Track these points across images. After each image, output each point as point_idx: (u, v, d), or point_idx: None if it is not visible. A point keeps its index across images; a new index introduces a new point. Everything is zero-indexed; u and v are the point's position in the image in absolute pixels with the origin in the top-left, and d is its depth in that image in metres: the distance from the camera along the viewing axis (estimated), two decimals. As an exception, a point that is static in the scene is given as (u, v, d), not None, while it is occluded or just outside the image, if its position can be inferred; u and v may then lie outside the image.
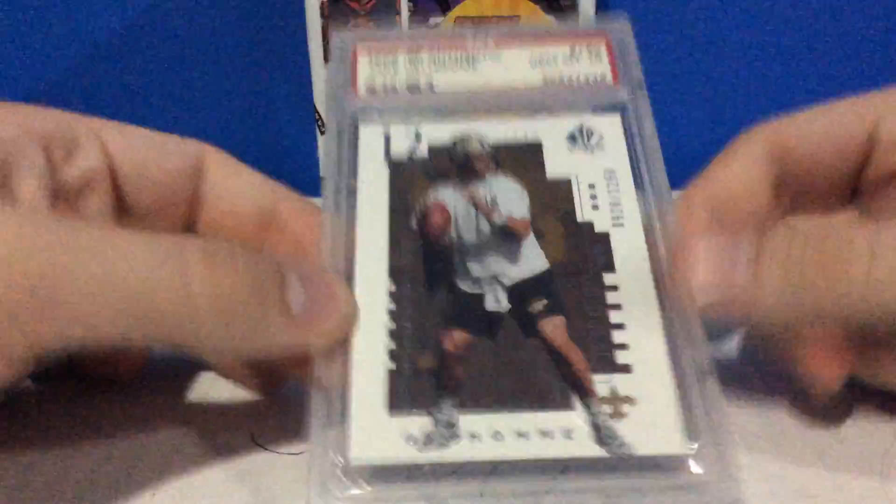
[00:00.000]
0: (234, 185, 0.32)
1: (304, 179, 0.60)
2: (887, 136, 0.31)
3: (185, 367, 0.33)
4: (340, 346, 0.26)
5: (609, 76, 0.32)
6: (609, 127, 0.32)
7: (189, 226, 0.32)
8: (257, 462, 0.28)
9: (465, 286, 0.28)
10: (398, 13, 0.40)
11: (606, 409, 0.25)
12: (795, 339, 0.29)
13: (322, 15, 0.40)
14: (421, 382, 0.26)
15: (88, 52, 0.55)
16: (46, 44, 0.55)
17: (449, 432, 0.25)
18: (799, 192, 0.33)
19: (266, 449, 0.29)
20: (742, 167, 0.31)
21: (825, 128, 0.31)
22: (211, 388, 0.32)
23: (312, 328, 0.26)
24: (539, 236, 0.29)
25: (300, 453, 0.28)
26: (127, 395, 0.32)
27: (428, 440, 0.24)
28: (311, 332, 0.26)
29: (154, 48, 0.54)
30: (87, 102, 0.56)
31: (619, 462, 0.24)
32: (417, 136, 0.31)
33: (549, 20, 0.40)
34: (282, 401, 0.31)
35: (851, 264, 0.25)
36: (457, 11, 0.40)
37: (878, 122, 0.31)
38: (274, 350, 0.26)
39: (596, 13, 0.42)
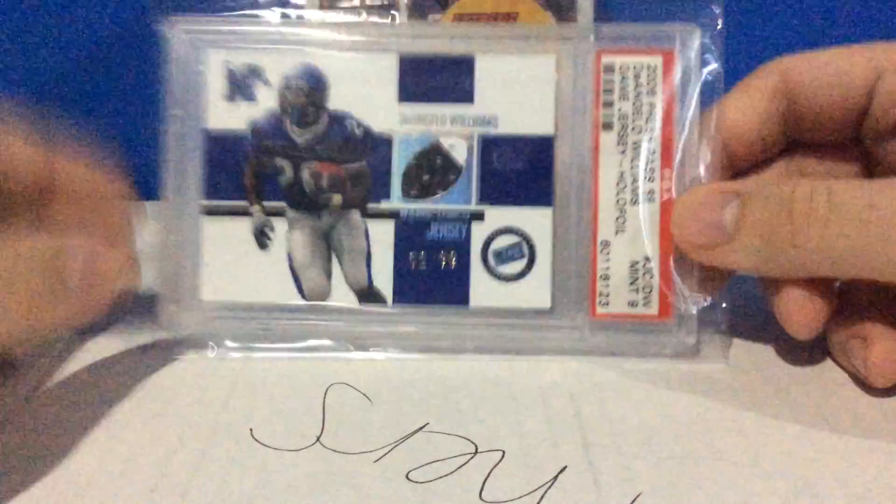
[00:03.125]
0: (7, 145, 0.31)
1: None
2: (884, 93, 0.32)
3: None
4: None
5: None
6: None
7: None
8: (257, 458, 0.28)
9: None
10: (396, 10, 0.39)
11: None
12: (773, 285, 0.32)
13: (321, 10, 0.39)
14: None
15: (88, 52, 0.54)
16: (46, 44, 0.54)
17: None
18: (805, 127, 0.34)
19: (266, 445, 0.29)
20: (755, 98, 0.33)
21: (832, 72, 0.33)
22: (208, 385, 0.33)
23: (89, 299, 0.28)
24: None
25: (299, 450, 0.29)
26: (124, 394, 0.32)
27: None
28: (87, 303, 0.28)
29: (153, 47, 0.54)
30: (87, 102, 0.56)
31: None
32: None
33: (547, 17, 0.40)
34: (279, 399, 0.32)
35: (810, 230, 0.28)
36: (455, 8, 0.40)
37: (878, 78, 0.32)
38: (60, 325, 0.28)
39: (594, 10, 0.41)
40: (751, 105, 0.33)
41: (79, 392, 0.32)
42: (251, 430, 0.30)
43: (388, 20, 0.37)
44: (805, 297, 0.31)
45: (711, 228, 0.31)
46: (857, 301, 0.32)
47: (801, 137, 0.35)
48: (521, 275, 0.34)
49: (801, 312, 0.31)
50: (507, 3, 0.39)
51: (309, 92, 0.35)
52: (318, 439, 0.29)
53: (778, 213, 0.29)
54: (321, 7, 0.40)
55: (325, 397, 0.31)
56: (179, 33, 0.36)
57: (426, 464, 0.28)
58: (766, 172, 0.35)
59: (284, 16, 0.36)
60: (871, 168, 0.35)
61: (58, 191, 0.32)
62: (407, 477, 0.27)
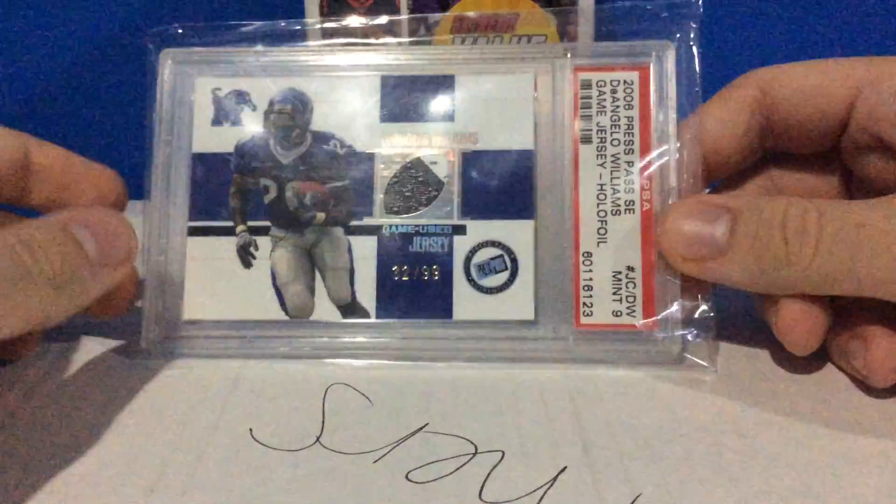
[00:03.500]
0: None
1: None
2: (863, 108, 0.32)
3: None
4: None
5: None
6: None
7: None
8: (257, 458, 0.28)
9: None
10: (397, 11, 0.40)
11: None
12: (769, 300, 0.32)
13: (322, 13, 0.40)
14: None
15: (85, 52, 0.54)
16: (45, 43, 0.54)
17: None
18: (783, 139, 0.34)
19: (265, 445, 0.29)
20: (733, 111, 0.34)
21: (811, 85, 0.33)
22: (207, 385, 0.32)
23: (109, 264, 0.29)
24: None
25: (299, 450, 0.28)
26: (124, 394, 0.32)
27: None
28: (109, 268, 0.29)
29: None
30: (83, 102, 0.55)
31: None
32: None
33: (548, 17, 0.41)
34: (279, 399, 0.31)
35: (803, 249, 0.29)
36: (456, 9, 0.40)
37: (857, 95, 0.32)
38: (91, 293, 0.28)
39: (595, 9, 0.42)
40: (730, 117, 0.34)
41: (78, 392, 0.32)
42: (251, 430, 0.29)
43: (371, 42, 0.38)
44: (803, 311, 0.30)
45: (703, 242, 0.31)
46: (855, 303, 0.32)
47: (778, 149, 0.35)
48: (503, 287, 0.34)
49: (800, 328, 0.31)
50: (507, 4, 0.40)
51: (293, 114, 0.36)
52: (317, 439, 0.29)
53: (771, 231, 0.29)
54: (321, 15, 0.41)
55: (324, 397, 0.31)
56: (170, 63, 0.36)
57: (426, 464, 0.28)
58: (747, 186, 0.36)
59: (269, 44, 0.37)
60: (849, 182, 0.35)
61: (34, 175, 0.32)
62: (407, 477, 0.27)
